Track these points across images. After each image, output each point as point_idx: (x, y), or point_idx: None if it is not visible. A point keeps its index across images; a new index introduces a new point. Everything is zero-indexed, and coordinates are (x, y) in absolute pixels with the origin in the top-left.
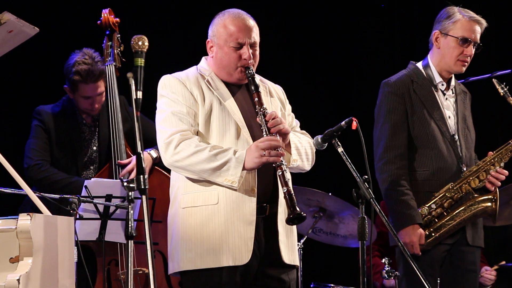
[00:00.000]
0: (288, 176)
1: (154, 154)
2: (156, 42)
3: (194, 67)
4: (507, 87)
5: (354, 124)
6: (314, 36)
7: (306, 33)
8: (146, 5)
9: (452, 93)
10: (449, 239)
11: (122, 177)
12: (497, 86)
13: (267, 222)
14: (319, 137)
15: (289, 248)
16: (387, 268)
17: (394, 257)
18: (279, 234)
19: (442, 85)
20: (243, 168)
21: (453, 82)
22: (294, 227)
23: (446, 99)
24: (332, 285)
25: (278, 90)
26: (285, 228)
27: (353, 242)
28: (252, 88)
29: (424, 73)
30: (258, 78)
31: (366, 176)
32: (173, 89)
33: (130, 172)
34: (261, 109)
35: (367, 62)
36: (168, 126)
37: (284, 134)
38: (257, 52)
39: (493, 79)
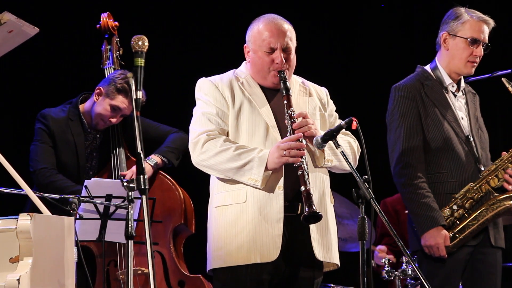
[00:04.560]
0: (307, 176)
1: (153, 161)
2: (155, 45)
3: (232, 70)
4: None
5: (354, 124)
6: (313, 36)
7: (306, 32)
8: (144, 9)
9: (463, 94)
10: (473, 241)
11: (122, 177)
12: (507, 85)
13: (299, 220)
14: (319, 137)
15: (324, 246)
16: (387, 268)
17: (399, 257)
18: (311, 231)
19: (453, 86)
20: (266, 168)
21: (462, 84)
22: (330, 225)
23: (457, 100)
24: (332, 285)
25: (320, 91)
26: (319, 226)
27: (353, 246)
28: (283, 91)
29: (433, 76)
30: (300, 80)
31: (366, 176)
32: (205, 91)
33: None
34: (289, 111)
35: (367, 62)
36: (197, 127)
37: (308, 137)
38: (292, 56)
39: (502, 78)
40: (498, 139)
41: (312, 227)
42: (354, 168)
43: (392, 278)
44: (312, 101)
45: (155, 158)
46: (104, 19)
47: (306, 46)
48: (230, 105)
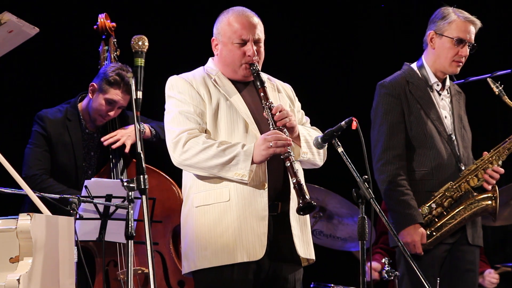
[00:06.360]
0: (296, 167)
1: (147, 130)
2: (152, 46)
3: (201, 67)
4: (502, 86)
5: (354, 124)
6: (314, 35)
7: (306, 32)
8: (142, 10)
9: (447, 93)
10: (450, 239)
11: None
12: (492, 85)
13: (280, 218)
14: (319, 137)
15: (304, 242)
16: (387, 268)
17: (395, 257)
18: (292, 228)
19: (438, 85)
20: (252, 162)
21: (447, 83)
22: (308, 221)
23: (442, 99)
24: (332, 285)
25: (286, 88)
26: (299, 223)
27: (353, 245)
28: (258, 83)
29: (419, 74)
30: (265, 76)
31: (366, 176)
32: (180, 89)
33: (112, 137)
34: (267, 103)
35: (366, 62)
36: (176, 126)
37: (290, 127)
38: (262, 49)
39: (488, 79)
40: (498, 139)
41: (294, 224)
42: (322, 163)
43: (392, 278)
44: (282, 97)
45: (144, 126)
46: (102, 20)
47: (306, 46)
48: (207, 103)
